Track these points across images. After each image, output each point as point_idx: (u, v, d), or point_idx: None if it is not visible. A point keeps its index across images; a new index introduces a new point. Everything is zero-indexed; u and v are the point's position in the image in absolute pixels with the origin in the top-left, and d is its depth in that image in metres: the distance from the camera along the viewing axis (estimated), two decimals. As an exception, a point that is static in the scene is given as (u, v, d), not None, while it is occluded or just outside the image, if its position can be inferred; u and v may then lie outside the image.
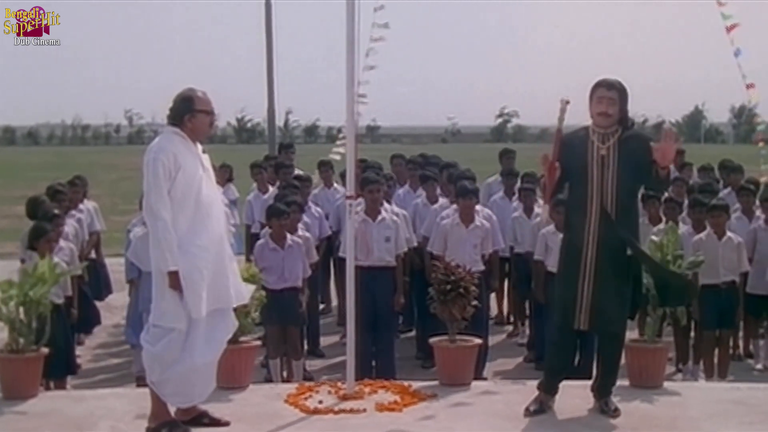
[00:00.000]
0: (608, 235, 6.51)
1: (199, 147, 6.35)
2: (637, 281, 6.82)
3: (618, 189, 6.53)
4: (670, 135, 6.50)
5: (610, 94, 6.60)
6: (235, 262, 6.53)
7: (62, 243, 8.77)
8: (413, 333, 11.16)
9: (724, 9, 13.18)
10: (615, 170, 6.54)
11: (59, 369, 8.32)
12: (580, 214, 6.59)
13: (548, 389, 6.89)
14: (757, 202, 10.60)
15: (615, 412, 6.69)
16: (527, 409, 6.77)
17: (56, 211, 9.16)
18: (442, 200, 10.78)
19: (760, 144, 15.01)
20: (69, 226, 9.85)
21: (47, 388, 8.08)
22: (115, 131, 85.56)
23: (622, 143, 6.58)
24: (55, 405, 7.05)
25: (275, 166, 12.58)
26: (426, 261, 9.69)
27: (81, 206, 11.50)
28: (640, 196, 11.10)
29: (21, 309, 7.11)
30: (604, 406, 6.76)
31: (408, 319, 11.17)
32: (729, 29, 13.29)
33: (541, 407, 6.79)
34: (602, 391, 6.84)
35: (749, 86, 14.23)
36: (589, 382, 7.00)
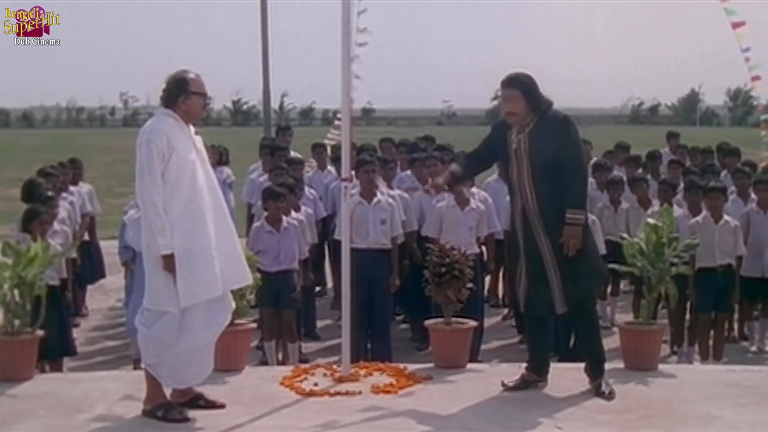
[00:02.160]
0: (529, 226, 6.66)
1: (192, 129, 6.33)
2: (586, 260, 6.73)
3: (534, 180, 6.59)
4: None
5: (511, 93, 6.63)
6: (239, 243, 6.51)
7: (56, 226, 8.76)
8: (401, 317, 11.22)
9: (727, 5, 13.13)
10: (527, 163, 6.60)
11: (55, 351, 8.32)
12: (511, 208, 6.90)
13: (535, 369, 6.97)
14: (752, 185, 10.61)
15: (610, 395, 6.70)
16: (505, 385, 6.89)
17: (50, 194, 9.14)
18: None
19: (763, 132, 15.08)
20: (62, 208, 9.82)
21: (42, 371, 8.08)
22: (110, 114, 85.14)
23: (533, 134, 6.61)
24: (51, 387, 7.05)
25: (270, 149, 12.54)
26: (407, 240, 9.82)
27: (72, 188, 11.46)
28: (626, 179, 11.17)
29: (16, 291, 7.09)
30: (598, 388, 6.77)
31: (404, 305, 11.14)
32: (734, 26, 13.25)
33: (520, 385, 6.89)
34: (594, 372, 6.86)
35: (755, 78, 14.27)
36: (583, 364, 7.01)
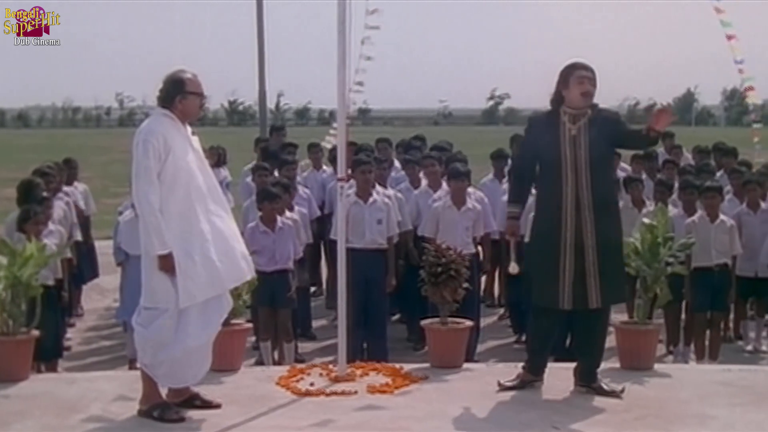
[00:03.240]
0: (580, 218, 6.53)
1: (189, 129, 6.32)
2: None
3: (591, 167, 6.55)
4: (669, 110, 6.61)
5: (589, 74, 6.67)
6: (240, 240, 6.49)
7: (51, 226, 8.74)
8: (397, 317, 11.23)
9: (723, 16, 13.30)
10: (586, 149, 6.57)
11: (50, 352, 8.31)
12: (555, 196, 6.59)
13: (533, 370, 6.92)
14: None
15: (622, 392, 6.72)
16: (501, 384, 6.85)
17: (45, 194, 9.14)
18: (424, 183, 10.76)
19: (756, 139, 15.31)
20: (58, 208, 9.81)
21: (38, 371, 8.07)
22: (105, 114, 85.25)
23: (592, 123, 6.63)
24: (47, 387, 7.04)
25: (262, 150, 12.55)
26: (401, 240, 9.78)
27: (67, 189, 11.40)
28: (621, 180, 11.17)
29: (11, 291, 7.08)
30: (601, 389, 6.76)
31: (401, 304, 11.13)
32: (728, 38, 13.46)
33: (518, 384, 6.86)
34: (590, 375, 6.84)
35: (748, 89, 14.57)
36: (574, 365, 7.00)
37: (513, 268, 7.04)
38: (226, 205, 6.43)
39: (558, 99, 6.73)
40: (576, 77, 6.63)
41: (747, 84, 14.67)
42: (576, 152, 6.57)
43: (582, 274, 6.56)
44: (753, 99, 15.52)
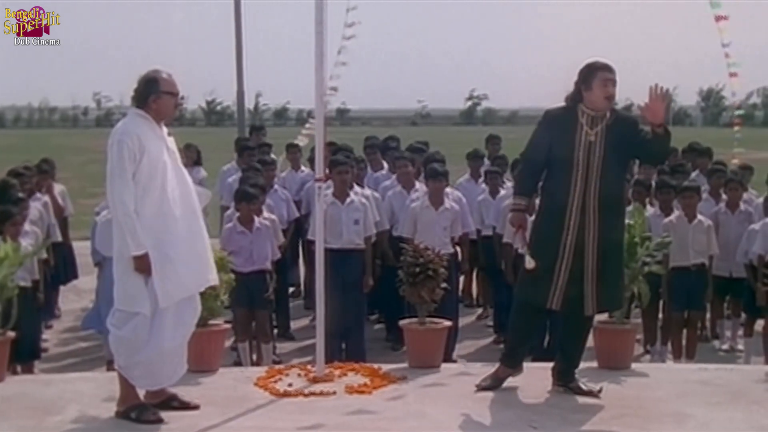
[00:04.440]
0: (584, 222, 6.45)
1: (164, 129, 6.30)
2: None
3: (603, 177, 6.44)
4: (658, 95, 6.41)
5: (613, 77, 6.52)
6: (209, 244, 6.48)
7: (27, 227, 8.69)
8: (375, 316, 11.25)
9: None
10: (601, 157, 6.44)
11: (27, 353, 8.26)
12: (561, 198, 6.48)
13: (510, 363, 6.91)
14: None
15: (599, 391, 6.72)
16: (478, 385, 6.84)
17: (21, 195, 9.09)
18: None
19: (736, 128, 15.14)
20: (33, 209, 9.76)
21: (14, 373, 8.02)
22: (83, 114, 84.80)
23: (610, 129, 6.50)
24: (23, 389, 7.00)
25: (240, 149, 12.53)
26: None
27: (38, 195, 11.29)
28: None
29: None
30: (580, 388, 6.77)
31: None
32: (717, 19, 13.32)
33: (494, 383, 6.85)
34: (568, 374, 6.85)
35: (732, 75, 14.35)
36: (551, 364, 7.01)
37: (529, 262, 6.64)
38: (197, 208, 6.40)
39: (576, 98, 6.58)
40: (600, 79, 6.47)
41: (732, 69, 14.36)
42: (590, 159, 6.45)
43: (579, 278, 6.50)
44: (735, 86, 15.18)
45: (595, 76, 6.49)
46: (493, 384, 6.88)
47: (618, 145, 6.49)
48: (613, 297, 6.73)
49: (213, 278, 6.49)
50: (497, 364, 7.04)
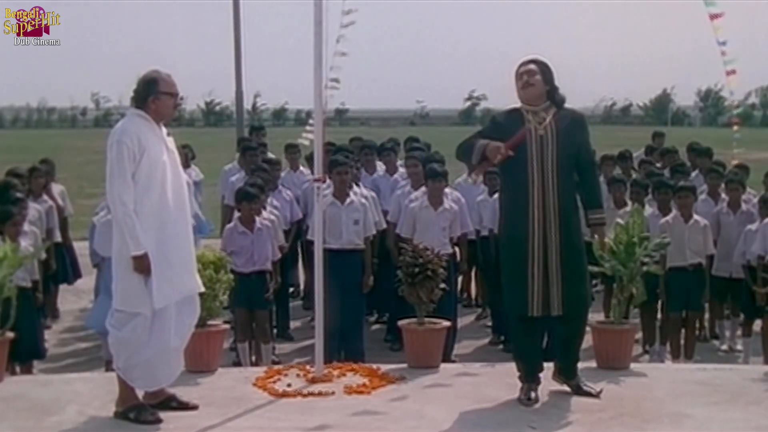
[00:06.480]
0: (545, 222, 6.43)
1: (164, 129, 6.30)
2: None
3: (558, 169, 6.45)
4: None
5: (528, 67, 6.63)
6: (193, 249, 6.46)
7: (26, 227, 8.70)
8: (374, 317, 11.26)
9: None
10: (554, 150, 6.47)
11: (25, 353, 8.26)
12: (521, 198, 6.47)
13: (528, 378, 6.73)
14: (723, 185, 10.67)
15: (599, 393, 6.70)
16: (521, 399, 6.63)
17: (19, 195, 9.09)
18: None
19: (735, 127, 15.04)
20: (32, 209, 9.76)
21: (13, 373, 8.03)
22: (81, 114, 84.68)
23: (558, 122, 6.55)
24: (22, 389, 7.00)
25: (243, 149, 12.51)
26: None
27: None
28: (604, 179, 11.19)
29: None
30: (580, 388, 6.75)
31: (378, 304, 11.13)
32: (712, 17, 13.25)
33: (526, 397, 6.65)
34: (569, 372, 6.84)
35: (729, 73, 14.24)
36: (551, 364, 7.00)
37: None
38: (188, 211, 6.40)
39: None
40: (517, 75, 6.65)
41: (729, 67, 14.21)
42: (543, 153, 6.46)
43: (546, 279, 6.48)
44: (734, 84, 14.96)
45: (516, 73, 6.68)
46: (527, 398, 6.62)
47: (566, 143, 6.52)
48: (578, 297, 6.61)
49: (200, 285, 6.50)
50: (517, 378, 6.81)
